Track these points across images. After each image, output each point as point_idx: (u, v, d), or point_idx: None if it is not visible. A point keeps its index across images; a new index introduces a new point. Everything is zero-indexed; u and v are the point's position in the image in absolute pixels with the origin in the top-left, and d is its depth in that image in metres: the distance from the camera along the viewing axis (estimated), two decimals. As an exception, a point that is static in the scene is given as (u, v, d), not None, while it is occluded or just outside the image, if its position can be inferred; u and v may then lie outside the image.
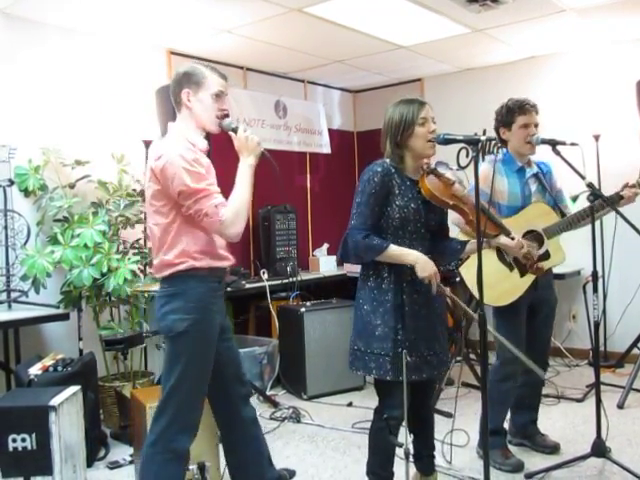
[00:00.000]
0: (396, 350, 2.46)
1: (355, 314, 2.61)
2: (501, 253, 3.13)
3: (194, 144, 2.43)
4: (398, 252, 2.47)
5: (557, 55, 5.50)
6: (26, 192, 4.00)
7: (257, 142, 2.45)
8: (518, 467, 3.17)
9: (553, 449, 3.38)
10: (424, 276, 2.44)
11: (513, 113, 3.21)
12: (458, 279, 3.10)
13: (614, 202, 3.01)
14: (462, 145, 5.43)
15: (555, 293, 3.40)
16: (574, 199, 4.53)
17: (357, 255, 2.54)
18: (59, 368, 3.38)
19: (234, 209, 2.35)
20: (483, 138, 2.27)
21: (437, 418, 3.93)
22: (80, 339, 4.08)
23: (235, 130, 2.45)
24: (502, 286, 3.12)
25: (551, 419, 3.91)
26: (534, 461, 3.27)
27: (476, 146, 2.26)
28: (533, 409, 3.46)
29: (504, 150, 3.29)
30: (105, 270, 3.78)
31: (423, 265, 2.44)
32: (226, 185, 2.44)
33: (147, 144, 4.42)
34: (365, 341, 2.54)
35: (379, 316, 2.50)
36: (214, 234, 2.44)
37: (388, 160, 2.57)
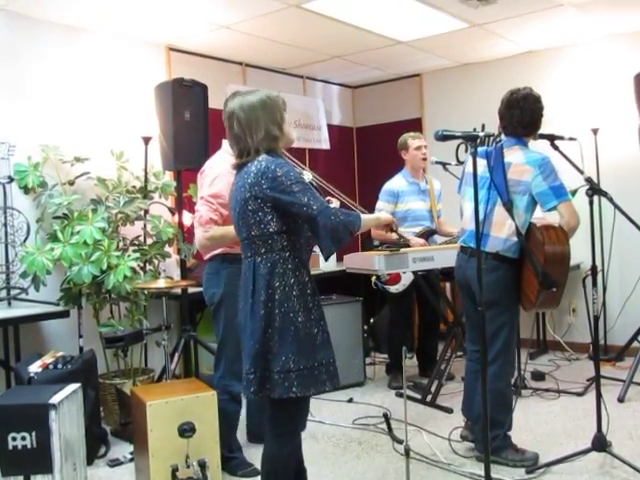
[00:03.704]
0: (333, 355, 2.32)
1: (282, 332, 2.20)
2: None
3: None
4: (368, 215, 2.49)
5: (555, 49, 5.46)
6: (25, 189, 3.97)
7: None
8: (537, 459, 3.14)
9: None
10: (392, 221, 2.57)
11: None
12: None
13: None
14: (461, 140, 5.40)
15: None
16: (573, 193, 4.49)
17: (341, 238, 2.22)
18: (59, 366, 3.35)
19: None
20: (481, 134, 2.24)
21: (437, 414, 3.95)
22: (80, 336, 4.06)
23: None
24: None
25: (552, 413, 3.89)
26: (535, 456, 3.25)
27: (474, 142, 2.23)
28: None
29: (526, 140, 3.10)
30: (105, 267, 3.75)
31: (386, 215, 2.62)
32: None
33: (146, 141, 4.40)
34: (308, 356, 2.23)
35: (315, 324, 2.27)
36: None
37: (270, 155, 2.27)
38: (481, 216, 3.08)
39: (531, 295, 2.98)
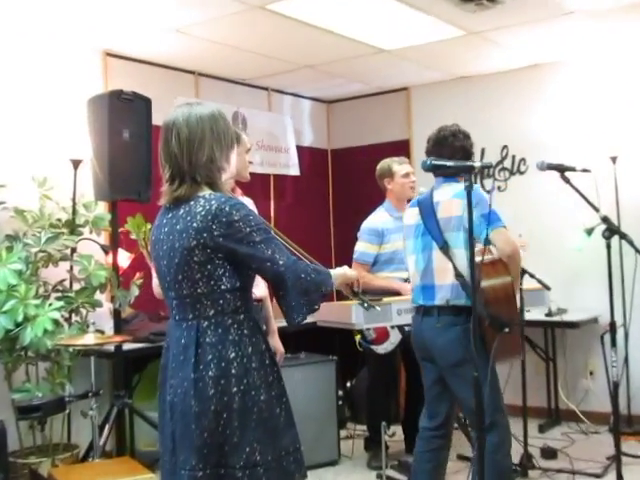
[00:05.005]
0: (299, 439, 2.27)
1: (244, 416, 2.11)
2: None
3: None
4: (335, 270, 2.38)
5: (565, 63, 5.61)
6: None
7: None
8: None
9: None
10: (356, 279, 2.48)
11: None
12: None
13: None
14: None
15: None
16: (589, 232, 4.60)
17: (314, 301, 2.24)
18: (-41, 443, 3.28)
19: None
20: (478, 165, 2.26)
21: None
22: (-13, 405, 3.98)
23: None
24: None
25: (565, 499, 3.90)
26: None
27: (469, 174, 2.26)
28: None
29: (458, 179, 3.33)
30: (21, 319, 3.71)
31: (352, 272, 2.49)
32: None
33: (76, 164, 4.38)
34: (274, 444, 2.15)
35: (276, 402, 2.20)
36: None
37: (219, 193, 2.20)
38: (421, 267, 3.28)
39: (492, 343, 3.05)
